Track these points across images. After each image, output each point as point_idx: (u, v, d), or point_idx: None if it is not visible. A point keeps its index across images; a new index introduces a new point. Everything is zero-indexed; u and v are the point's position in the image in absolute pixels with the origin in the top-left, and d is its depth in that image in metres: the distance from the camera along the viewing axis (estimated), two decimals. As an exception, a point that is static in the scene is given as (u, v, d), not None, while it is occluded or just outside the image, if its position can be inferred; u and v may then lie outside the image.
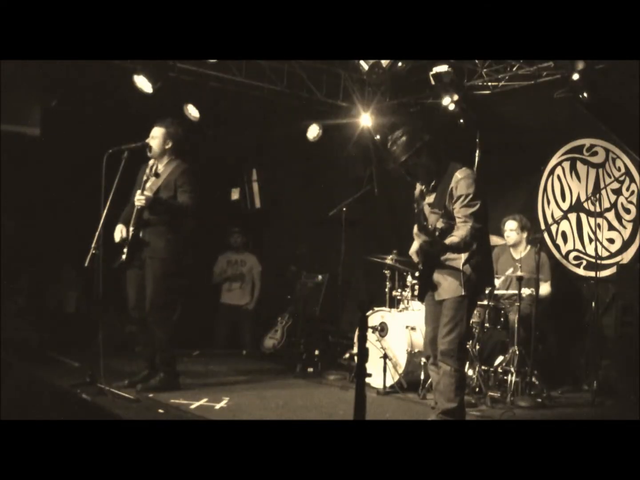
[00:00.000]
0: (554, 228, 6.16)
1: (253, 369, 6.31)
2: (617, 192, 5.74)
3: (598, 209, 5.53)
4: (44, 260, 6.77)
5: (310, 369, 6.25)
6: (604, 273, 5.68)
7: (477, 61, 6.07)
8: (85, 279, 5.02)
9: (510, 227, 5.72)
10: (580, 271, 5.97)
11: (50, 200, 6.65)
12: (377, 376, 5.30)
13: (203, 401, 4.60)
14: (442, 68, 5.70)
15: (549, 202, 6.28)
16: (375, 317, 5.71)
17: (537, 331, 5.13)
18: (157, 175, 4.83)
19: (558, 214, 6.15)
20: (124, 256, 4.81)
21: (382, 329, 5.61)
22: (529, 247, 5.73)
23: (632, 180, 5.63)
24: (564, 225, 6.12)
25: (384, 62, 5.02)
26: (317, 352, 6.39)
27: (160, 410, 4.27)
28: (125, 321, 6.55)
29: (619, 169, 5.73)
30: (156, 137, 4.92)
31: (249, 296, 7.71)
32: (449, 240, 3.64)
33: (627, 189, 5.67)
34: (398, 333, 5.51)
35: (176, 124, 5.11)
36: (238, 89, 6.58)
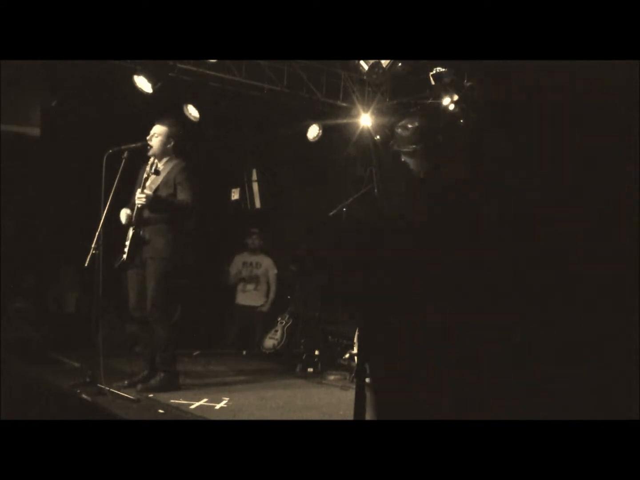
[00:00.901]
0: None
1: (253, 369, 6.31)
2: (617, 192, 5.74)
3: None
4: (44, 260, 6.77)
5: (310, 369, 6.25)
6: (604, 273, 5.67)
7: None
8: (85, 279, 5.02)
9: None
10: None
11: (50, 200, 6.65)
12: (377, 376, 5.29)
13: (203, 401, 4.60)
14: (442, 68, 5.70)
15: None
16: (375, 317, 5.70)
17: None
18: (157, 172, 4.83)
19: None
20: (125, 256, 4.81)
21: (382, 329, 5.60)
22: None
23: (632, 180, 5.62)
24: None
25: (384, 62, 5.02)
26: (317, 352, 6.39)
27: (160, 410, 4.27)
28: (125, 321, 6.58)
29: (619, 169, 5.72)
30: (158, 135, 4.91)
31: (264, 298, 7.71)
32: None
33: (627, 189, 5.67)
34: (398, 333, 5.50)
35: (178, 123, 5.12)
36: (238, 89, 6.58)
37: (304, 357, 6.47)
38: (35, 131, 6.64)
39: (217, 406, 4.51)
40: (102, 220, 4.58)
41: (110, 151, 4.65)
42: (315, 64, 6.55)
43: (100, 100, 6.44)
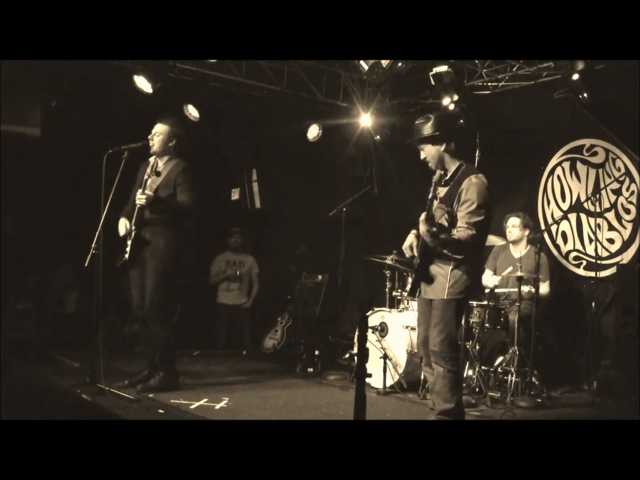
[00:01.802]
0: (554, 228, 6.16)
1: (253, 369, 6.31)
2: (617, 192, 5.74)
3: (598, 209, 5.53)
4: (44, 260, 6.78)
5: (310, 369, 6.25)
6: (604, 273, 5.68)
7: (477, 61, 6.07)
8: (85, 279, 5.02)
9: (513, 224, 5.72)
10: (580, 271, 5.97)
11: (50, 200, 6.65)
12: (377, 376, 5.30)
13: (203, 401, 4.60)
14: (442, 68, 5.70)
15: (549, 202, 6.28)
16: (375, 317, 5.71)
17: (537, 331, 5.13)
18: (158, 174, 4.83)
19: (558, 214, 6.15)
20: (126, 255, 4.81)
21: (382, 329, 5.61)
22: (529, 246, 5.73)
23: (632, 180, 5.63)
24: (564, 226, 6.13)
25: (384, 62, 5.02)
26: (317, 352, 6.39)
27: (160, 410, 4.27)
28: (126, 321, 6.58)
29: (619, 169, 5.73)
30: (160, 133, 4.91)
31: (246, 296, 7.71)
32: (448, 236, 3.64)
33: (627, 189, 5.67)
34: (398, 333, 5.51)
35: (180, 123, 5.12)
36: (238, 89, 6.58)
37: (304, 357, 6.47)
38: (35, 131, 6.64)
39: (217, 406, 4.51)
40: (102, 220, 4.58)
41: (110, 151, 4.65)
42: (315, 64, 6.54)
43: (100, 100, 6.44)
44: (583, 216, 6.00)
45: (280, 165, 8.29)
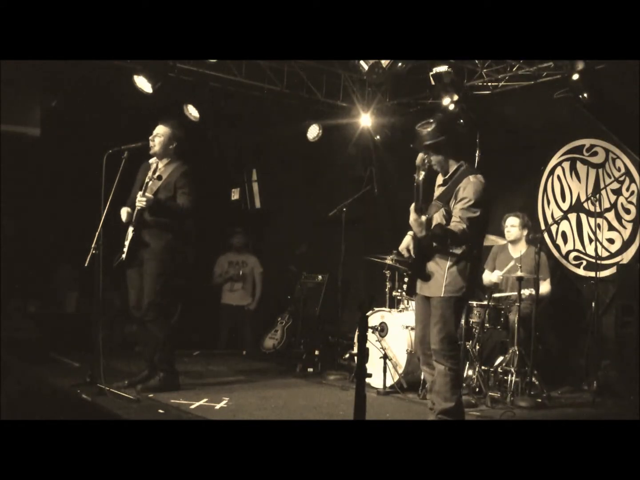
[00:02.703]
0: (554, 228, 6.16)
1: (253, 369, 6.31)
2: (617, 192, 5.74)
3: (598, 209, 5.53)
4: (44, 260, 6.77)
5: (310, 369, 6.26)
6: (604, 273, 5.68)
7: (477, 61, 6.07)
8: (85, 279, 5.02)
9: (512, 223, 5.72)
10: (580, 271, 5.97)
11: (50, 200, 6.65)
12: (377, 376, 5.30)
13: (203, 401, 4.60)
14: (442, 68, 5.70)
15: (549, 202, 6.28)
16: (375, 317, 5.71)
17: (537, 331, 5.13)
18: (160, 178, 4.83)
19: (558, 214, 6.15)
20: (123, 255, 4.82)
21: (382, 329, 5.61)
22: (528, 246, 5.73)
23: (632, 180, 5.63)
24: (564, 226, 6.13)
25: (384, 62, 5.02)
26: (317, 352, 6.39)
27: (160, 410, 4.27)
28: (126, 321, 6.58)
29: (619, 169, 5.73)
30: (161, 135, 4.92)
31: (250, 297, 7.71)
32: (437, 227, 3.63)
33: (627, 189, 5.67)
34: (398, 333, 5.51)
35: (181, 125, 5.12)
36: (238, 89, 6.58)
37: (304, 357, 6.47)
38: (35, 131, 6.64)
39: (217, 406, 4.51)
40: (102, 220, 4.58)
41: (110, 151, 4.65)
42: (315, 64, 6.54)
43: (100, 100, 6.44)
44: (583, 216, 6.00)
45: (280, 165, 8.29)
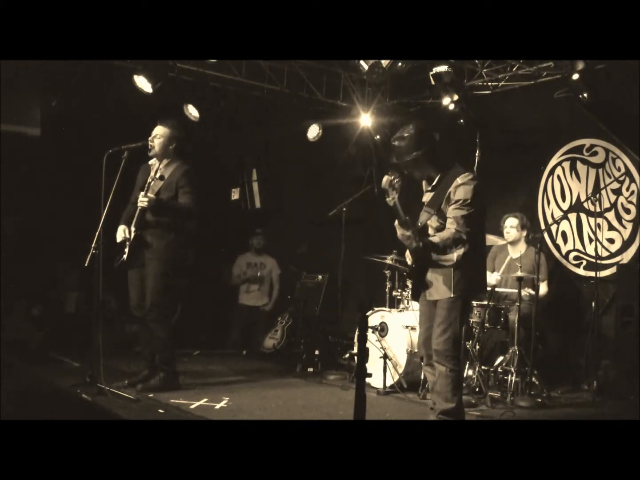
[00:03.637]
0: (554, 228, 6.16)
1: (253, 369, 6.31)
2: (617, 192, 5.74)
3: (598, 209, 5.53)
4: (44, 260, 6.77)
5: (310, 369, 6.26)
6: (604, 273, 5.68)
7: (477, 61, 6.07)
8: (85, 279, 5.02)
9: (511, 224, 5.72)
10: (580, 271, 5.97)
11: (50, 200, 6.65)
12: (377, 376, 5.30)
13: (203, 401, 4.60)
14: (442, 68, 5.69)
15: (549, 202, 6.28)
16: (375, 317, 5.71)
17: (537, 331, 5.13)
18: (162, 178, 4.83)
19: (558, 214, 6.15)
20: (125, 256, 4.82)
21: (382, 329, 5.61)
22: (527, 246, 5.72)
23: (632, 180, 5.63)
24: (564, 225, 6.13)
25: (384, 62, 5.02)
26: (317, 352, 6.39)
27: (160, 410, 4.27)
28: (125, 321, 6.58)
29: (619, 169, 5.73)
30: (160, 136, 4.92)
31: (267, 298, 7.73)
32: (429, 239, 3.63)
33: (627, 189, 5.67)
34: (398, 333, 5.51)
35: (180, 125, 5.12)
36: (238, 89, 6.58)
37: (304, 357, 6.47)
38: (35, 131, 6.64)
39: (217, 406, 4.51)
40: (102, 220, 4.58)
41: (110, 151, 4.65)
42: (315, 64, 6.54)
43: (100, 100, 6.44)
44: (583, 216, 6.00)
45: (280, 165, 8.29)
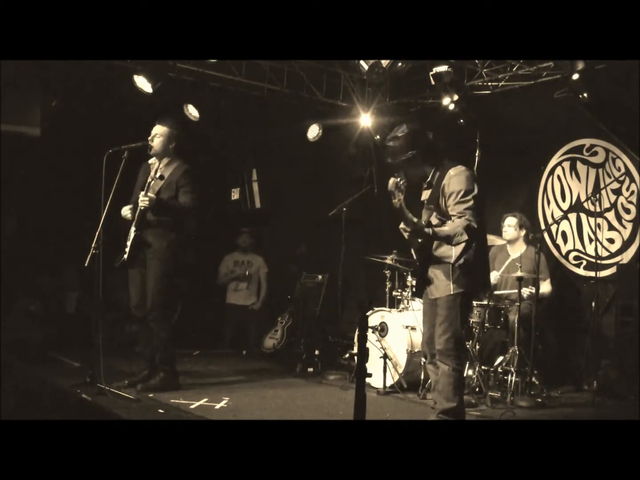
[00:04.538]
0: (554, 228, 6.16)
1: (253, 369, 6.31)
2: (617, 192, 5.74)
3: (598, 209, 5.53)
4: (44, 260, 6.77)
5: (310, 369, 6.25)
6: (604, 273, 5.68)
7: (477, 61, 6.07)
8: (86, 279, 5.01)
9: (509, 223, 5.73)
10: (580, 271, 5.97)
11: (50, 200, 6.65)
12: (377, 376, 5.30)
13: (203, 401, 4.60)
14: (442, 68, 5.69)
15: (549, 202, 6.28)
16: (375, 317, 5.71)
17: (537, 331, 5.13)
18: (162, 177, 4.83)
19: (558, 214, 6.15)
20: (125, 255, 4.82)
21: (382, 329, 5.61)
22: (526, 246, 5.72)
23: (632, 180, 5.63)
24: (564, 225, 6.13)
25: (384, 62, 5.02)
26: (317, 352, 6.39)
27: (160, 410, 4.27)
28: (126, 321, 6.58)
29: (619, 169, 5.73)
30: (160, 135, 4.92)
31: (255, 297, 7.72)
32: (439, 229, 3.63)
33: (627, 189, 5.67)
34: (398, 333, 5.51)
35: (179, 124, 5.11)
36: (238, 89, 6.58)
37: (304, 357, 6.47)
38: (35, 131, 6.64)
39: (217, 406, 4.51)
40: (102, 220, 4.58)
41: (110, 151, 4.65)
42: (315, 64, 6.54)
43: (100, 100, 6.44)
44: (583, 216, 6.00)
45: (280, 165, 8.29)
